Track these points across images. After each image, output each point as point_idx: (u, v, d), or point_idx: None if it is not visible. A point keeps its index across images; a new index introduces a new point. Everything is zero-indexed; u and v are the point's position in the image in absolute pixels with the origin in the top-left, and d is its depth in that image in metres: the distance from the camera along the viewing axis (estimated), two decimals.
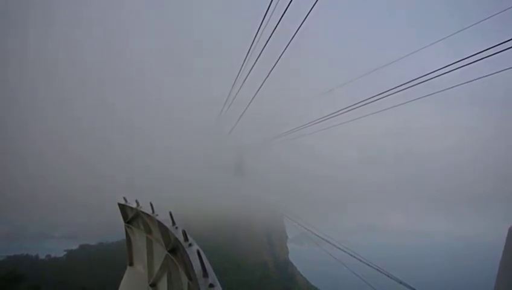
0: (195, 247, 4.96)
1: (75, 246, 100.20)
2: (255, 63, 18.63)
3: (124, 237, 10.49)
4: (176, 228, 6.12)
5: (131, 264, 10.41)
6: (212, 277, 4.05)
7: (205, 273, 4.12)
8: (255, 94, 27.94)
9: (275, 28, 13.43)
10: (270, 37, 14.34)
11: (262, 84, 24.83)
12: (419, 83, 15.07)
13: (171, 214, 6.47)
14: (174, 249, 6.37)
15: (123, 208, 10.00)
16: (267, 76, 22.25)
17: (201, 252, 4.52)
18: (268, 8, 11.71)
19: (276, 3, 11.14)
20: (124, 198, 9.85)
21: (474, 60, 11.88)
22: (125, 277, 10.22)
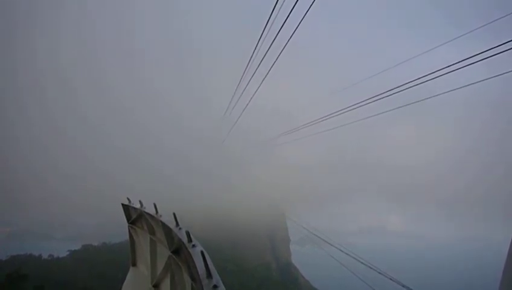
0: (199, 248, 4.92)
1: (77, 247, 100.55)
2: (252, 76, 18.77)
3: (127, 237, 10.51)
4: (180, 228, 6.10)
5: (134, 264, 10.40)
6: (216, 278, 4.02)
7: (209, 275, 4.09)
8: (244, 108, 28.42)
9: (272, 44, 13.56)
10: (266, 53, 14.48)
11: (251, 99, 25.22)
12: (398, 92, 15.02)
13: (174, 215, 6.46)
14: (178, 250, 6.36)
15: (127, 208, 10.01)
16: (256, 90, 22.50)
17: (205, 253, 4.50)
18: (268, 20, 11.79)
19: (278, 12, 11.18)
20: (128, 199, 9.87)
21: (460, 66, 11.87)
22: (128, 277, 10.21)
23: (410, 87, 14.23)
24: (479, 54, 10.69)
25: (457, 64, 11.69)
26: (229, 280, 68.90)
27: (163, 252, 7.34)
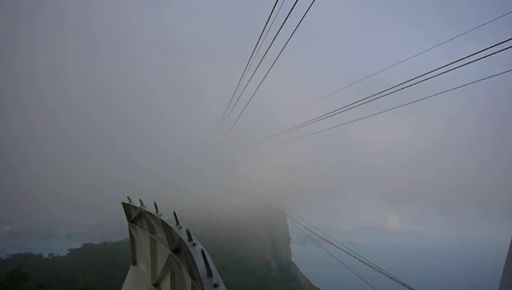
0: (200, 247, 4.93)
1: (78, 245, 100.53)
2: (252, 76, 18.97)
3: (128, 236, 10.51)
4: (180, 227, 6.10)
5: (134, 263, 10.40)
6: (217, 277, 4.02)
7: (209, 273, 4.09)
8: (244, 108, 28.89)
9: (271, 44, 13.67)
10: (265, 53, 14.58)
11: (250, 99, 25.59)
12: (395, 91, 15.06)
13: (175, 214, 6.45)
14: (178, 248, 6.36)
15: (127, 207, 9.99)
16: (255, 91, 22.77)
17: (206, 252, 4.50)
18: (267, 22, 11.85)
19: (277, 13, 11.23)
20: (128, 197, 9.85)
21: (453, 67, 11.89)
22: (128, 276, 10.19)
23: (407, 87, 14.29)
24: (475, 53, 10.72)
25: (455, 63, 11.70)
26: (229, 278, 68.93)
27: (164, 251, 7.34)
